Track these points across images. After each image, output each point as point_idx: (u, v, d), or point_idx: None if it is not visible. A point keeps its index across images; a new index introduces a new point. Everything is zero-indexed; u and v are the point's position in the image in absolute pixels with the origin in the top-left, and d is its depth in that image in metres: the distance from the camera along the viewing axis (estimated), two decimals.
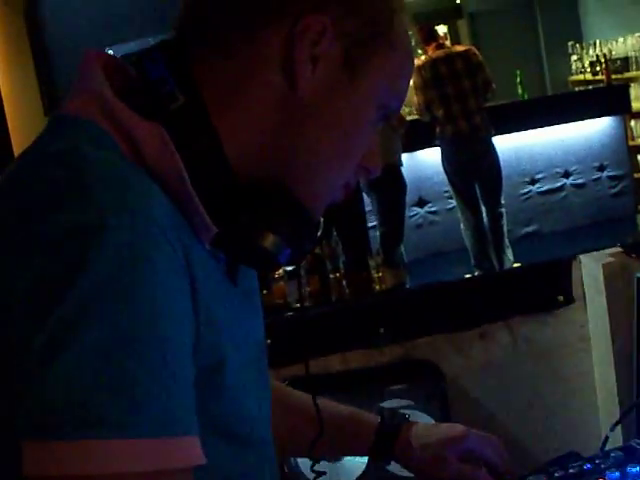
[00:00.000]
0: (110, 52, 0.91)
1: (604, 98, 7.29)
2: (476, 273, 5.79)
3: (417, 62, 5.96)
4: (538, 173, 7.05)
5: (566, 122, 6.86)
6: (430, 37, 5.91)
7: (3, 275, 0.71)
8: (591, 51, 8.41)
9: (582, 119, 6.90)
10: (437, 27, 6.17)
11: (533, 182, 7.06)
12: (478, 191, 5.90)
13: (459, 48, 6.12)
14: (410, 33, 0.93)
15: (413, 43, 0.96)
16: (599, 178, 7.16)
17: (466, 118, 5.71)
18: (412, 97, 5.79)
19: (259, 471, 0.79)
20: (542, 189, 7.09)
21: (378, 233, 5.75)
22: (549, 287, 1.91)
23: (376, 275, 4.08)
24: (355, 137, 0.90)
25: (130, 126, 0.79)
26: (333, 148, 0.89)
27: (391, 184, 5.52)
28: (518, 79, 7.79)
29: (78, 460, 0.66)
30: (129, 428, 0.67)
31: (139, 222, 0.72)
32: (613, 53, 8.03)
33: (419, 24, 6.12)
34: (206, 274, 0.81)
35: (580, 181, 7.14)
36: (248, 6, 0.85)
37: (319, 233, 0.94)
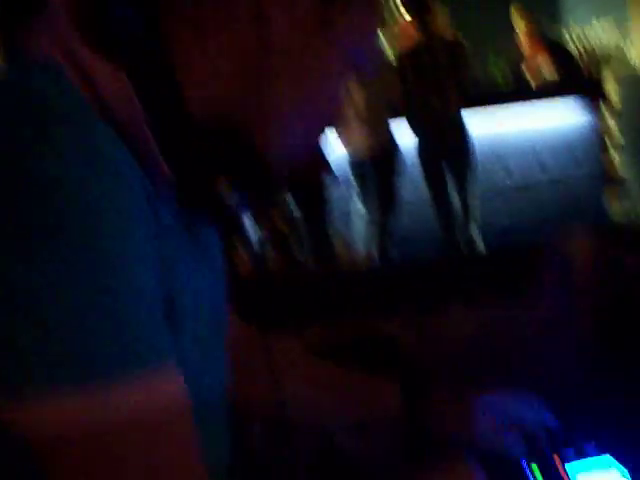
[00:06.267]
0: None
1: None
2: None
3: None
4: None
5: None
6: (420, 8, 5.23)
7: None
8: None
9: None
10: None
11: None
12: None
13: (443, 35, 5.37)
14: None
15: None
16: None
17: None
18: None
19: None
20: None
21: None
22: (514, 272, 1.89)
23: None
24: (318, 85, 0.89)
25: (90, 68, 0.76)
26: (295, 94, 0.87)
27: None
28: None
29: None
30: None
31: (110, 169, 0.70)
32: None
33: None
34: (166, 221, 0.80)
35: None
36: None
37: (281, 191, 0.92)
